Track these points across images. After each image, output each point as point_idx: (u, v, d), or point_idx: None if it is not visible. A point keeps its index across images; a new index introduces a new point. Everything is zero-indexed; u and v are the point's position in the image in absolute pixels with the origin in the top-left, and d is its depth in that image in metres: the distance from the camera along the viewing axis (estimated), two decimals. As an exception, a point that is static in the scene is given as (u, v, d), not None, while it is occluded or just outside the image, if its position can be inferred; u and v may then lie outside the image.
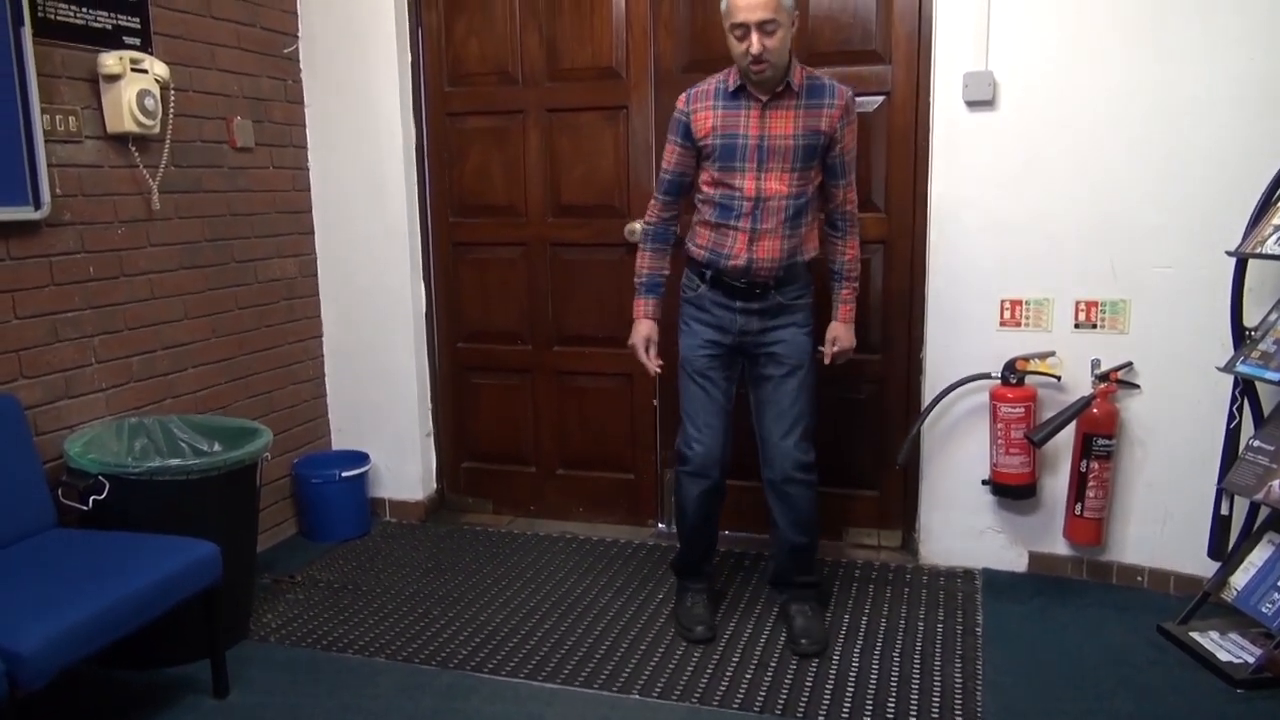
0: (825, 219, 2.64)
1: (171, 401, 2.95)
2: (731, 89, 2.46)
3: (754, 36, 2.31)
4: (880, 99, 3.02)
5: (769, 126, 2.44)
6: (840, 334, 2.66)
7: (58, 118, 2.54)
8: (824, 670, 2.47)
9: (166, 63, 2.80)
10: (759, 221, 2.47)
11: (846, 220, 2.61)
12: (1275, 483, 2.42)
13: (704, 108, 2.49)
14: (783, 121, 2.44)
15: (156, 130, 2.77)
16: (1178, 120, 2.67)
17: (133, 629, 2.09)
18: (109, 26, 2.68)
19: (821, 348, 2.66)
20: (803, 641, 2.56)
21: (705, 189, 2.55)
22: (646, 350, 2.67)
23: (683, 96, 2.55)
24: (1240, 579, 2.53)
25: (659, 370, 2.70)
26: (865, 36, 3.01)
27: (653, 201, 2.67)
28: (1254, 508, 2.59)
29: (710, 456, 2.57)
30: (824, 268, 2.69)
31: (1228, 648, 2.47)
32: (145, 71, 2.69)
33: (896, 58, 2.99)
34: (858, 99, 2.99)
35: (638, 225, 3.27)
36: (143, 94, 2.67)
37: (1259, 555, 2.52)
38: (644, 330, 2.67)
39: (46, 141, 2.48)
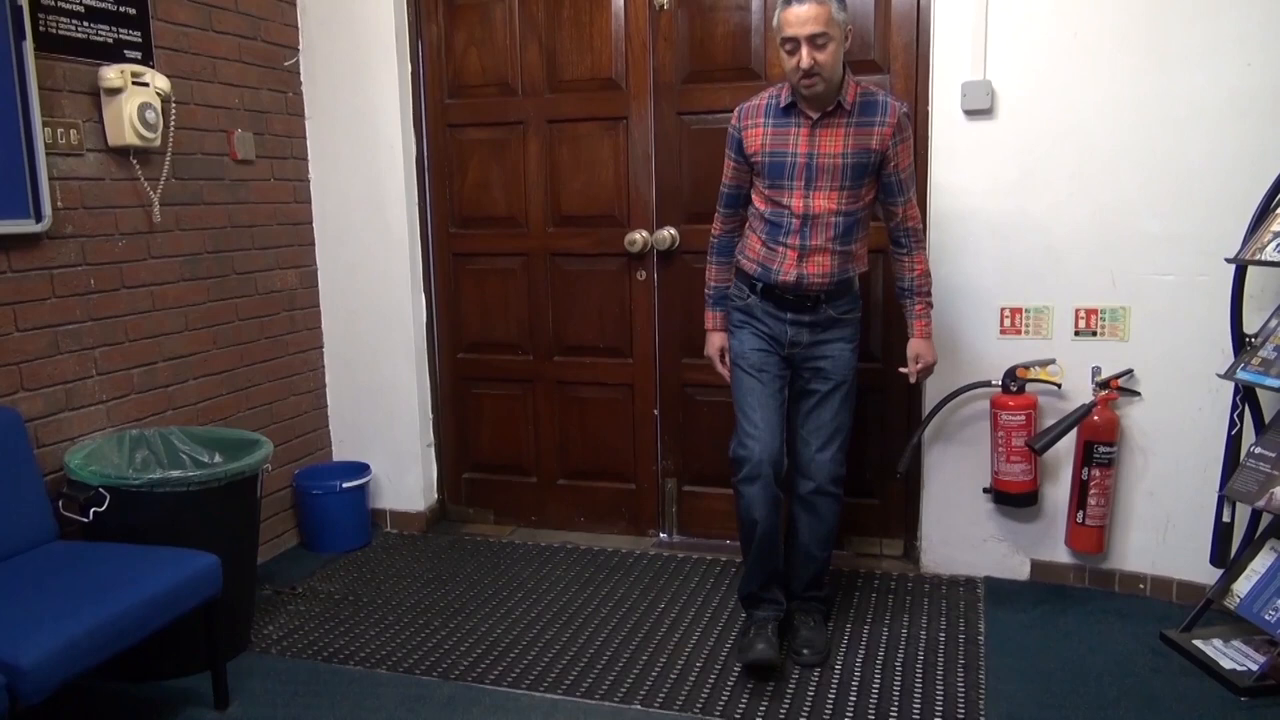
0: (889, 237, 2.60)
1: (172, 413, 2.95)
2: (783, 105, 2.44)
3: (804, 50, 2.28)
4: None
5: (818, 145, 2.42)
6: (922, 350, 2.61)
7: (59, 131, 2.55)
8: (826, 680, 2.47)
9: (167, 76, 2.81)
10: (808, 238, 2.46)
11: (910, 236, 2.56)
12: (1277, 490, 2.41)
13: (754, 124, 2.48)
14: (832, 140, 2.42)
15: (157, 143, 2.78)
16: (1176, 128, 2.68)
17: (133, 641, 2.09)
18: (110, 40, 2.69)
19: (903, 368, 2.65)
20: (805, 652, 2.55)
21: (757, 204, 2.55)
22: (721, 359, 2.69)
23: (735, 111, 2.54)
24: (1243, 586, 2.52)
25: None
26: (863, 46, 3.02)
27: (716, 215, 2.68)
28: (1256, 515, 2.59)
29: (766, 452, 2.46)
30: (890, 286, 2.71)
31: (1231, 655, 2.47)
32: (146, 85, 2.70)
33: (895, 67, 3.00)
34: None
35: (638, 236, 3.29)
36: (144, 107, 2.68)
37: (1261, 562, 2.52)
38: (717, 342, 2.69)
39: (48, 154, 2.49)
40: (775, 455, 2.48)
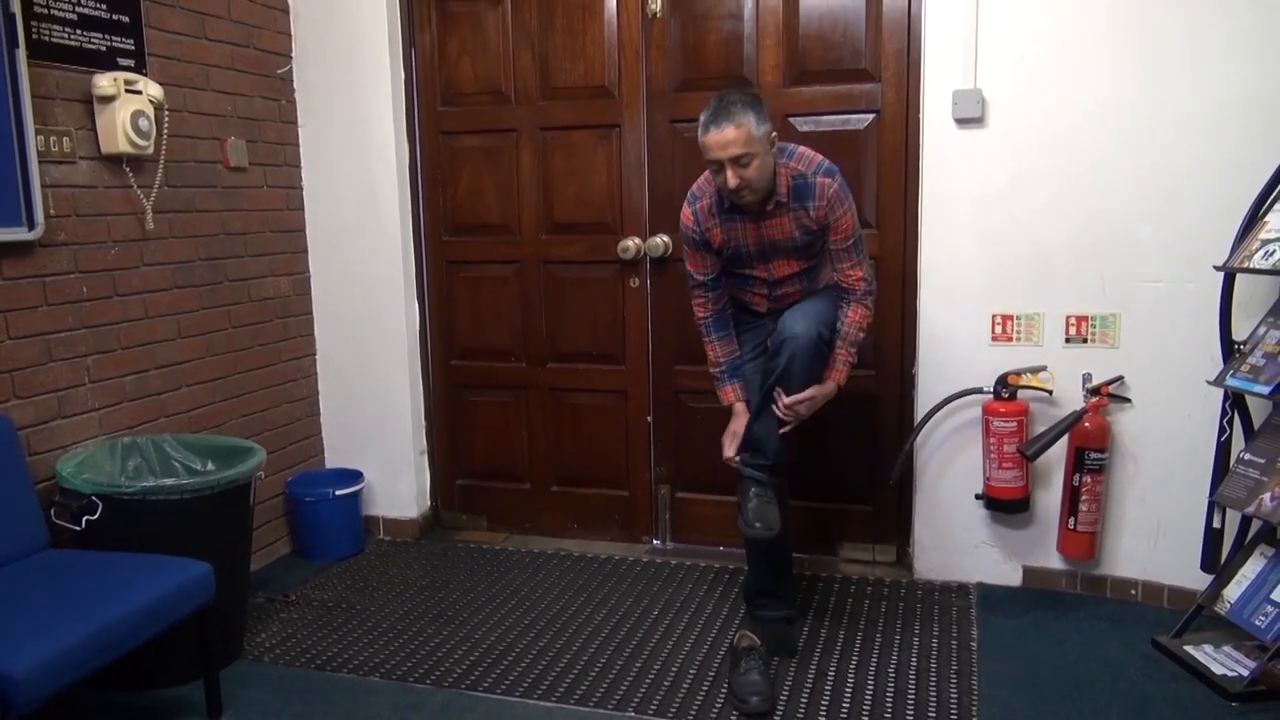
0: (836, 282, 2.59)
1: (165, 420, 2.95)
2: (726, 206, 2.48)
3: (728, 172, 2.32)
4: (870, 117, 3.05)
5: (766, 234, 2.50)
6: (821, 393, 2.50)
7: (52, 139, 2.55)
8: (819, 686, 2.47)
9: (160, 84, 2.81)
10: (775, 290, 2.60)
11: (850, 293, 2.55)
12: (1266, 496, 2.43)
13: (714, 225, 2.52)
14: (778, 227, 2.49)
15: (150, 151, 2.78)
16: (1166, 136, 2.70)
17: (126, 650, 2.08)
18: (103, 48, 2.69)
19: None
20: (757, 525, 2.46)
21: (725, 267, 2.61)
22: (730, 441, 2.61)
23: (689, 214, 2.54)
24: (1233, 592, 2.53)
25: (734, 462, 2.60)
26: (855, 55, 3.04)
27: (697, 299, 2.65)
28: (1245, 520, 2.60)
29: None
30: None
31: (1222, 661, 2.48)
32: (139, 93, 2.70)
33: (886, 76, 3.02)
34: (848, 117, 3.06)
35: (631, 243, 3.29)
36: (137, 115, 2.68)
37: (1251, 568, 2.53)
38: (736, 424, 2.61)
39: (40, 162, 2.49)
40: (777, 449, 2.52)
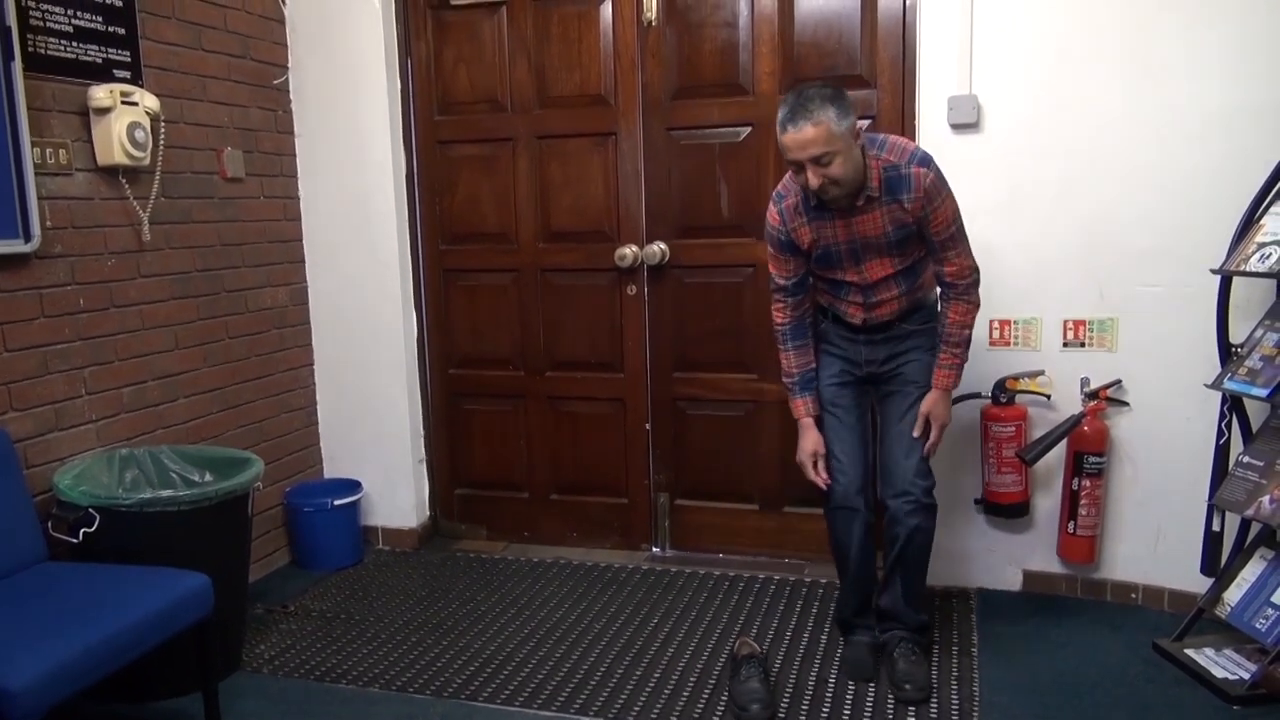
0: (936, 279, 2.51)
1: (162, 432, 2.94)
2: (814, 203, 2.36)
3: (809, 171, 2.21)
4: (866, 123, 3.04)
5: (857, 230, 2.36)
6: (934, 406, 2.44)
7: (48, 151, 2.55)
8: (820, 693, 2.46)
9: (157, 95, 2.81)
10: (871, 295, 2.45)
11: (950, 288, 2.43)
12: (1265, 498, 2.43)
13: (800, 224, 2.40)
14: (870, 224, 2.35)
15: (147, 162, 2.78)
16: (1162, 140, 2.70)
17: (125, 663, 2.07)
18: (99, 60, 2.69)
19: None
20: (906, 687, 2.41)
21: (815, 270, 2.51)
22: (815, 466, 2.52)
23: (775, 214, 2.43)
24: (1234, 595, 2.53)
25: (826, 484, 2.53)
26: (850, 61, 3.04)
27: (777, 303, 2.54)
28: (1245, 523, 2.60)
29: (852, 486, 2.48)
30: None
31: (1223, 664, 2.47)
32: (135, 104, 2.71)
33: (881, 82, 3.03)
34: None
35: (628, 251, 3.30)
36: (133, 126, 2.68)
37: (1251, 571, 2.53)
38: (810, 444, 2.53)
39: (37, 174, 2.48)
40: (862, 484, 2.50)
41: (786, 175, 2.41)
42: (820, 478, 2.53)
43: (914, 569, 2.52)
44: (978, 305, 2.46)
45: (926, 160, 2.31)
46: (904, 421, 2.48)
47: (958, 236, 2.38)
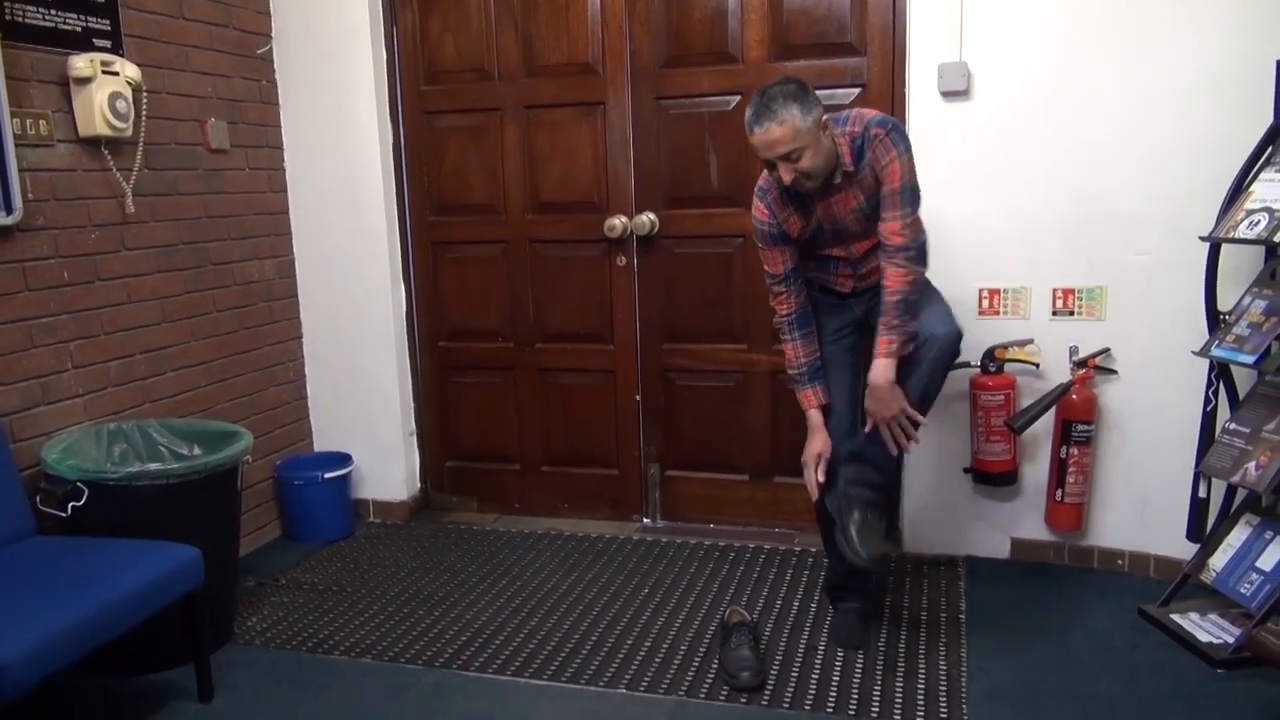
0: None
1: (150, 406, 2.93)
2: (793, 191, 2.36)
3: (781, 168, 2.25)
4: (856, 91, 3.04)
5: (838, 209, 2.37)
6: (876, 377, 2.30)
7: (28, 121, 2.51)
8: (809, 660, 2.48)
9: (138, 65, 2.78)
10: (860, 267, 2.45)
11: (883, 249, 2.32)
12: (1251, 465, 2.44)
13: (789, 214, 2.40)
14: (847, 200, 2.36)
15: (129, 133, 2.74)
16: (1152, 108, 2.69)
17: (115, 635, 2.08)
18: (79, 29, 2.65)
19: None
20: (864, 555, 2.36)
21: (804, 250, 2.49)
22: (816, 468, 2.48)
23: (763, 208, 2.41)
24: (1219, 560, 2.55)
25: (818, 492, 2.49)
26: (840, 29, 3.02)
27: (777, 296, 2.50)
28: (1231, 490, 2.62)
29: (838, 438, 2.47)
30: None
31: (1208, 629, 2.50)
32: (116, 74, 2.67)
33: (871, 50, 3.00)
34: (834, 92, 3.03)
35: (617, 221, 3.28)
36: (114, 96, 2.65)
37: (1236, 536, 2.55)
38: (818, 444, 2.48)
39: (17, 146, 2.46)
40: (849, 434, 2.47)
41: (764, 172, 2.41)
42: (816, 481, 2.49)
43: (922, 375, 2.35)
44: (913, 275, 2.30)
45: (885, 122, 2.30)
46: None
47: (903, 199, 2.30)
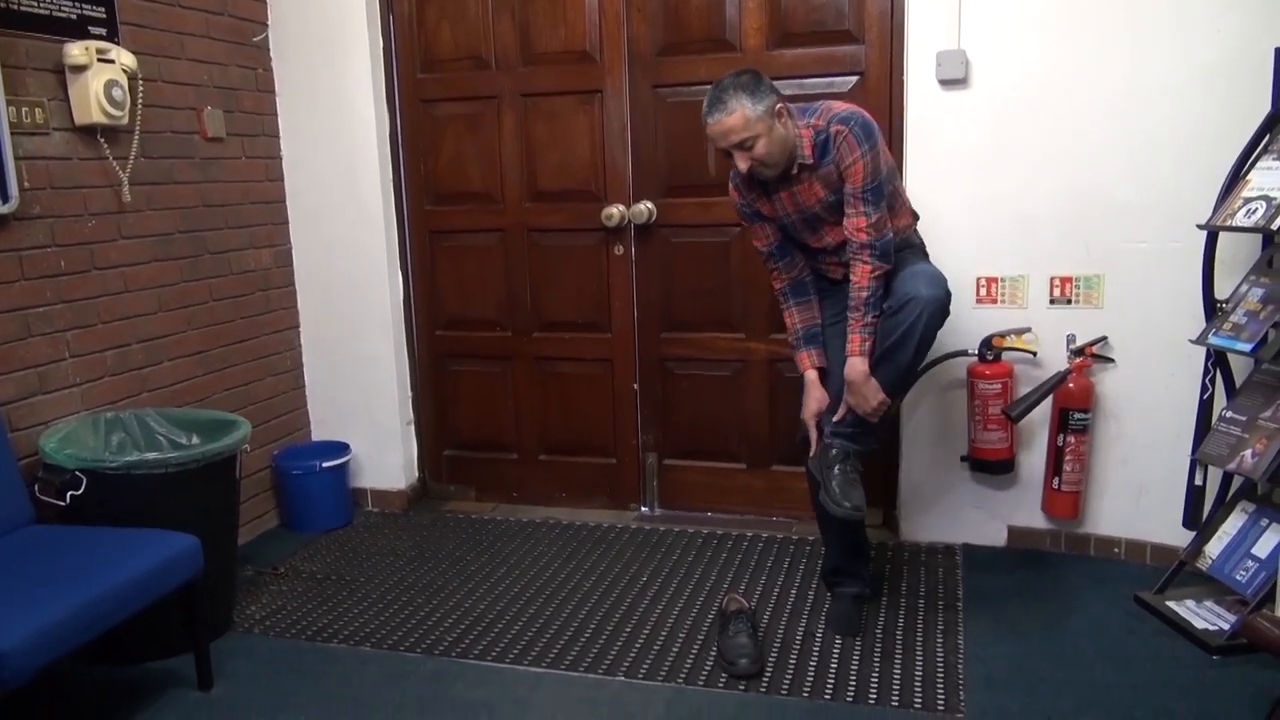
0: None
1: (148, 395, 2.93)
2: (758, 180, 2.41)
3: (736, 157, 2.29)
4: (854, 79, 3.03)
5: (802, 200, 2.40)
6: (850, 374, 2.34)
7: (24, 110, 2.50)
8: (807, 647, 2.49)
9: (134, 52, 2.76)
10: (843, 255, 2.43)
11: (848, 246, 2.36)
12: (1247, 452, 2.45)
13: (757, 196, 2.46)
14: (808, 192, 2.38)
15: (125, 121, 2.73)
16: (1150, 97, 2.69)
17: (114, 624, 2.08)
18: (74, 16, 2.64)
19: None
20: (846, 505, 2.37)
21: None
22: (817, 425, 2.52)
23: (735, 190, 2.49)
24: (1215, 548, 2.56)
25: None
26: (838, 16, 3.01)
27: (772, 271, 2.57)
28: (1227, 477, 2.63)
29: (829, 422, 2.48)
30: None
31: (1204, 616, 2.51)
32: (112, 62, 2.66)
33: (869, 37, 2.99)
34: (832, 80, 3.03)
35: (615, 210, 3.27)
36: (110, 84, 2.64)
37: (1232, 524, 2.56)
38: (815, 401, 2.50)
39: (13, 134, 2.44)
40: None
41: None
42: (816, 438, 2.52)
43: (897, 348, 2.32)
44: (879, 271, 2.33)
45: (848, 119, 2.30)
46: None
47: (865, 198, 2.30)
